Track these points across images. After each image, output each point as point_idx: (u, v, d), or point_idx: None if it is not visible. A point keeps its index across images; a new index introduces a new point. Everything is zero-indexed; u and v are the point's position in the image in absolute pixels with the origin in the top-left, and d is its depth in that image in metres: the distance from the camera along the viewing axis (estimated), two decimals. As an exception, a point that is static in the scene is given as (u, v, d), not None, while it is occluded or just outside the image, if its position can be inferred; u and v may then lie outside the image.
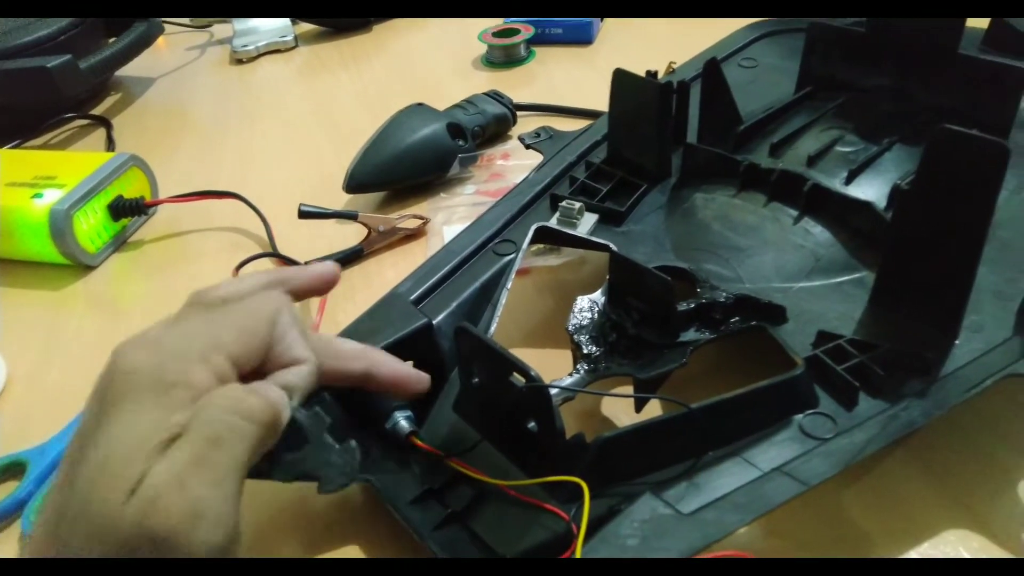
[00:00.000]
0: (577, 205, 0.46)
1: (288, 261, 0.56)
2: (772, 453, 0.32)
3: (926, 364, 0.34)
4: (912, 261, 0.35)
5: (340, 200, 0.62)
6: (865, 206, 0.40)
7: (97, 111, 0.86)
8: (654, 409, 0.40)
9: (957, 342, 0.35)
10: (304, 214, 0.55)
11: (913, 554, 0.33)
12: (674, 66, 0.57)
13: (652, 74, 0.50)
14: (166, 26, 1.07)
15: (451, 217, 0.58)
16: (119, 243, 0.63)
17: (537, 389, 0.32)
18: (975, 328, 0.36)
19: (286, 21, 0.97)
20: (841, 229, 0.41)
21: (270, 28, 0.97)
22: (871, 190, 0.42)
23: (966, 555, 0.33)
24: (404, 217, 0.57)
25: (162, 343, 0.27)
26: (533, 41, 0.84)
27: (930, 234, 0.34)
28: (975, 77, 0.44)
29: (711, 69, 0.48)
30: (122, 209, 0.62)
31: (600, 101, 0.52)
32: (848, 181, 0.43)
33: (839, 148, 0.45)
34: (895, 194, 0.41)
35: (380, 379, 0.34)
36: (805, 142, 0.46)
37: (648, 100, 0.47)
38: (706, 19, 0.78)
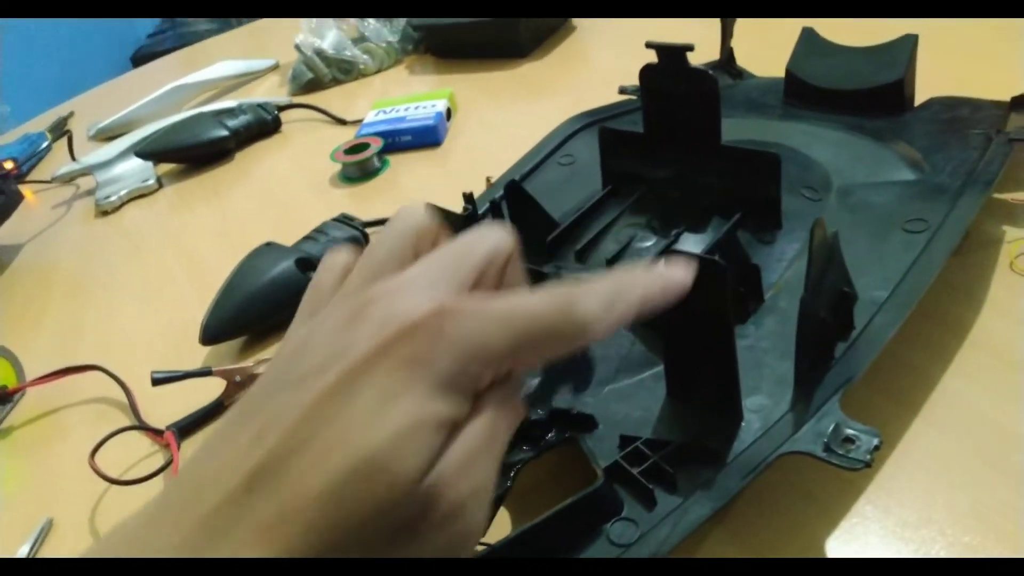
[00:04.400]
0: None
1: (153, 431, 0.56)
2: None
3: (713, 453, 0.37)
4: (683, 360, 0.39)
5: (202, 350, 0.63)
6: (654, 303, 0.44)
7: (-38, 289, 0.85)
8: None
9: (744, 424, 0.38)
10: (156, 381, 0.56)
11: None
12: (491, 181, 0.60)
13: (468, 196, 0.52)
14: (32, 184, 1.08)
15: (309, 353, 0.60)
16: (-14, 434, 0.63)
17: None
18: (756, 408, 0.39)
19: (147, 164, 0.99)
20: (636, 325, 0.45)
21: (131, 174, 0.98)
22: (661, 284, 0.45)
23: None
24: (262, 363, 0.59)
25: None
26: (385, 151, 0.87)
27: (688, 338, 0.38)
28: (738, 163, 0.48)
29: (513, 192, 0.51)
30: (-16, 402, 0.62)
31: (451, 201, 0.52)
32: (642, 278, 0.46)
33: (636, 244, 0.49)
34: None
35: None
36: (606, 244, 0.50)
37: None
38: (536, 112, 0.82)
